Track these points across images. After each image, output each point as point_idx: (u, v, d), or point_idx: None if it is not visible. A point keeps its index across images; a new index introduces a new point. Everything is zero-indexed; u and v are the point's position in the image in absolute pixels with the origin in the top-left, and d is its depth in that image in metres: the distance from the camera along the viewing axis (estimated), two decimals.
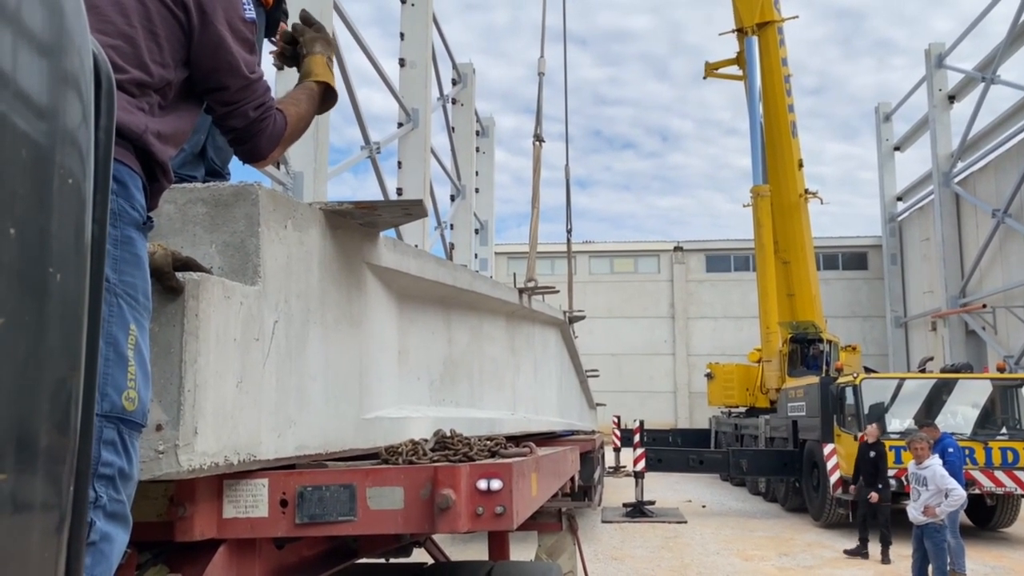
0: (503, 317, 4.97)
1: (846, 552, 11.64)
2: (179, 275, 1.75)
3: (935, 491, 8.57)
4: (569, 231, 12.67)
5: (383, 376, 2.90)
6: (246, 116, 2.01)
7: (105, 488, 1.44)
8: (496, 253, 29.09)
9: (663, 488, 19.43)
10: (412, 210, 2.52)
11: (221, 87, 1.94)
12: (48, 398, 0.92)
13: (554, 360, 7.37)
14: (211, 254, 2.00)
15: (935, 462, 8.82)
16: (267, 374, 2.05)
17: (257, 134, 2.05)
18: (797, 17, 21.63)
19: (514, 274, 7.24)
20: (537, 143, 8.86)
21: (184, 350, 1.73)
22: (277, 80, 8.12)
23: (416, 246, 3.57)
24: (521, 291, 5.30)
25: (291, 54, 2.44)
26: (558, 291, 6.51)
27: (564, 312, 7.87)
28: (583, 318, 9.47)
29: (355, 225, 2.58)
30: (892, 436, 12.86)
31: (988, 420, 13.61)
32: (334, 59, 2.45)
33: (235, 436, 1.89)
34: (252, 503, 2.10)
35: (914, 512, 8.75)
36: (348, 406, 2.58)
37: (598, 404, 15.51)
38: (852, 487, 12.64)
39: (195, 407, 1.73)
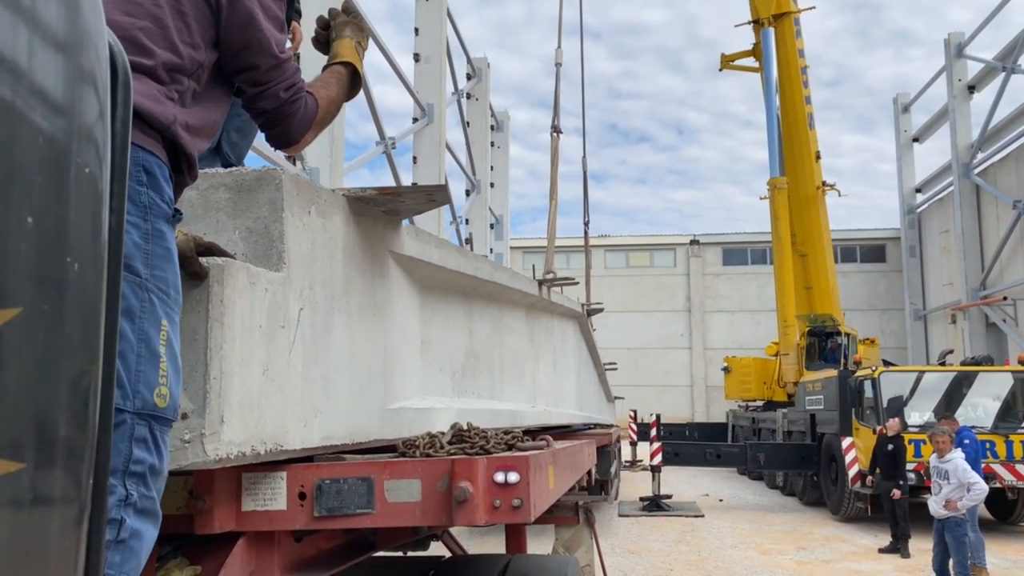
0: (523, 309, 4.93)
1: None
2: (203, 260, 1.72)
3: (957, 485, 8.48)
4: (586, 223, 12.63)
5: (406, 366, 2.87)
6: (277, 97, 1.96)
7: (136, 485, 1.43)
8: (511, 247, 29.09)
9: (680, 482, 19.36)
10: (436, 196, 2.48)
11: (251, 66, 1.89)
12: (66, 390, 0.90)
13: (573, 353, 7.33)
14: (234, 240, 1.96)
15: (957, 455, 8.72)
16: (293, 362, 2.01)
17: (288, 117, 2.00)
18: (814, 8, 21.43)
19: (532, 266, 7.20)
20: (555, 134, 8.80)
21: (209, 337, 1.70)
22: None
23: None
24: (541, 282, 5.25)
25: (324, 39, 2.40)
26: (577, 282, 6.46)
27: (582, 305, 7.83)
28: (601, 311, 9.42)
29: (378, 213, 2.55)
30: (912, 430, 12.73)
31: (1009, 413, 13.43)
32: (364, 46, 2.40)
33: (261, 425, 1.86)
34: (271, 496, 2.08)
35: (935, 506, 8.66)
36: (373, 396, 2.55)
37: (616, 398, 15.48)
38: (869, 478, 12.54)
39: (221, 395, 1.70)
